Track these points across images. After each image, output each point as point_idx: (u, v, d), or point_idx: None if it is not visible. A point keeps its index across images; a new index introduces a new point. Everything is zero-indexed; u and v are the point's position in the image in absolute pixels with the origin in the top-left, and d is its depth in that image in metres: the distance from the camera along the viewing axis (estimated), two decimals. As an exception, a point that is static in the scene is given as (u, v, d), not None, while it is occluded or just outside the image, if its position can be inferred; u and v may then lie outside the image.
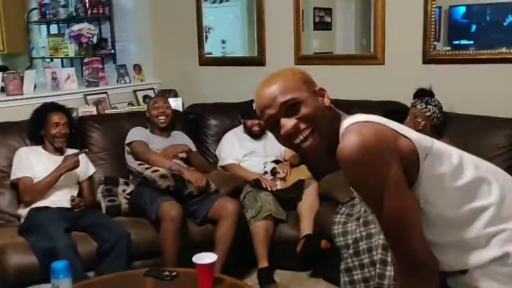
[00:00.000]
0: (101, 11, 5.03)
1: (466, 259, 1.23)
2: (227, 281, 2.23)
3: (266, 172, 3.42)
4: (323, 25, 4.51)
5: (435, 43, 3.50)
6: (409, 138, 1.20)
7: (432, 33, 3.48)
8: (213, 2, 4.62)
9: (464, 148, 2.85)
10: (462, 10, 3.48)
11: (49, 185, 2.97)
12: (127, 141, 3.39)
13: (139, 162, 3.26)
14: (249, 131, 3.65)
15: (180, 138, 3.57)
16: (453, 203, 1.21)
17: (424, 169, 1.19)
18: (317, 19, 4.56)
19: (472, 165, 1.26)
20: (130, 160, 3.36)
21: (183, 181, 3.13)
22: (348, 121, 1.23)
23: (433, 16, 3.46)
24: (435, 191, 1.21)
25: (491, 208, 1.21)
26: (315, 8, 4.33)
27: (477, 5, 3.40)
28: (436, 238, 1.25)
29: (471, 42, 3.42)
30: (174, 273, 2.28)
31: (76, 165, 3.03)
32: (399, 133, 1.20)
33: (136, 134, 3.40)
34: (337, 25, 4.28)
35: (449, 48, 3.49)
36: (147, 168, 3.16)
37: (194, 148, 3.57)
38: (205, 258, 2.16)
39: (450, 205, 1.22)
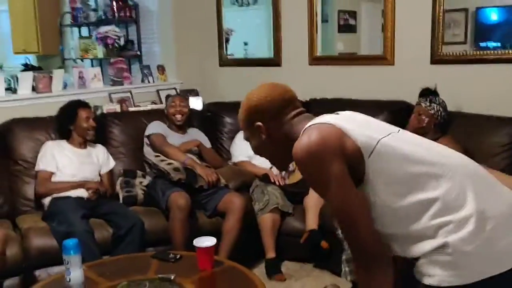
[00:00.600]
0: (128, 14, 5.29)
1: (415, 249, 1.34)
2: (227, 264, 2.40)
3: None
4: (347, 28, 4.62)
5: (461, 45, 3.58)
6: (353, 139, 1.31)
7: (440, 34, 3.57)
8: (240, 6, 4.79)
9: (466, 146, 2.94)
10: (488, 12, 3.54)
11: (64, 189, 3.18)
12: (146, 133, 3.60)
13: (156, 154, 3.45)
14: None
15: (195, 135, 3.75)
16: (400, 196, 1.32)
17: (370, 166, 1.31)
18: (341, 22, 4.67)
19: (421, 158, 1.34)
20: (147, 152, 3.55)
21: (195, 175, 3.31)
22: (310, 122, 1.40)
23: (441, 18, 3.55)
24: (382, 185, 1.32)
25: (438, 201, 1.30)
26: (339, 11, 4.45)
27: (503, 7, 3.46)
28: (388, 230, 1.36)
29: (498, 43, 3.47)
30: (178, 256, 2.46)
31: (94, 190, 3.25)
32: (346, 133, 1.32)
33: (155, 127, 3.61)
34: (362, 28, 4.37)
35: (475, 49, 3.55)
36: (162, 161, 3.36)
37: (208, 145, 3.75)
38: (205, 241, 2.34)
39: (398, 198, 1.32)
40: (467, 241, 1.28)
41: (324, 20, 4.40)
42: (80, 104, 3.43)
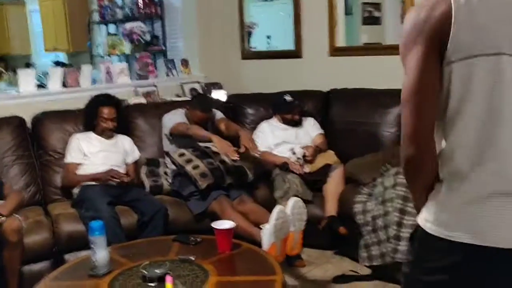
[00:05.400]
0: (153, 10, 5.43)
1: None
2: (244, 246, 2.48)
3: (299, 158, 3.63)
4: (372, 20, 4.63)
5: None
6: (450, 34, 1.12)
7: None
8: (265, 0, 4.85)
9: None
10: None
11: (87, 180, 3.30)
12: (168, 126, 3.57)
13: (179, 152, 3.42)
14: (290, 121, 3.86)
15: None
16: None
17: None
18: (366, 14, 4.69)
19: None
20: (168, 148, 3.60)
21: (222, 175, 3.30)
22: None
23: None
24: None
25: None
26: (363, 4, 4.46)
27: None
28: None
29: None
30: (199, 239, 2.55)
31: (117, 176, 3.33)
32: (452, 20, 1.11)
33: (173, 118, 3.61)
34: (386, 19, 4.38)
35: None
36: (187, 162, 3.33)
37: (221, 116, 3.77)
38: (223, 224, 2.43)
39: None
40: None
41: (349, 13, 4.43)
42: (102, 102, 3.51)
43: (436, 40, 1.14)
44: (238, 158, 3.20)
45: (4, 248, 2.74)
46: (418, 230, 1.26)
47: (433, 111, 1.18)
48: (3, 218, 2.72)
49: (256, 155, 3.27)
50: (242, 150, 3.24)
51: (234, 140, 3.35)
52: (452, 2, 1.12)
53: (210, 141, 3.32)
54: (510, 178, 1.15)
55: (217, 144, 3.26)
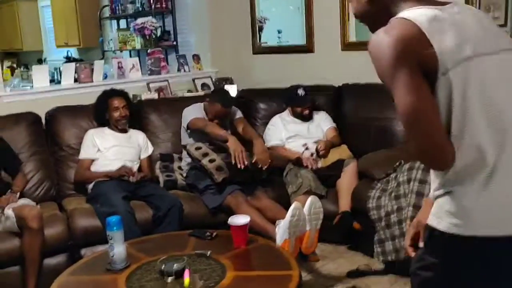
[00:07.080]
0: (164, 5, 5.44)
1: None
2: (260, 241, 2.49)
3: (312, 154, 3.63)
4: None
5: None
6: (434, 50, 1.17)
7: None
8: (276, -7, 4.83)
9: None
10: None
11: (99, 177, 3.33)
12: (187, 120, 3.61)
13: (196, 146, 3.47)
14: (299, 115, 3.87)
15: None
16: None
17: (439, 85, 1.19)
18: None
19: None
20: (186, 141, 3.62)
21: (237, 170, 3.31)
22: (401, 14, 1.25)
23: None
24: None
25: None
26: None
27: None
28: None
29: None
30: (214, 234, 2.57)
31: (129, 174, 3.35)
32: (428, 38, 1.17)
33: (192, 112, 3.65)
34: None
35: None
36: (204, 155, 3.39)
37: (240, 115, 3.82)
38: (239, 220, 2.44)
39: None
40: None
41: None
42: (110, 94, 3.56)
43: (418, 59, 1.18)
44: (244, 167, 3.27)
45: (25, 235, 2.78)
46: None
47: (441, 124, 1.21)
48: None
49: (264, 167, 3.35)
50: (253, 160, 3.34)
51: (247, 143, 3.45)
52: (419, 24, 1.19)
53: (226, 141, 3.37)
54: None
55: (231, 146, 3.30)
